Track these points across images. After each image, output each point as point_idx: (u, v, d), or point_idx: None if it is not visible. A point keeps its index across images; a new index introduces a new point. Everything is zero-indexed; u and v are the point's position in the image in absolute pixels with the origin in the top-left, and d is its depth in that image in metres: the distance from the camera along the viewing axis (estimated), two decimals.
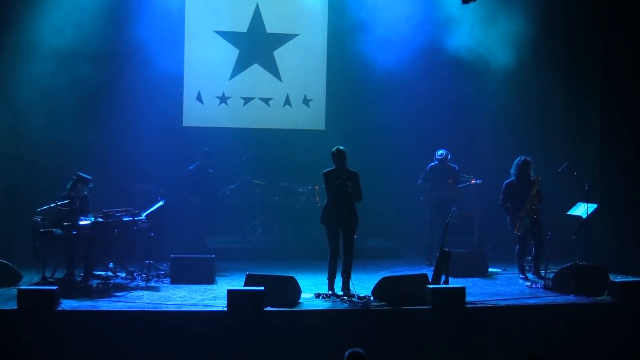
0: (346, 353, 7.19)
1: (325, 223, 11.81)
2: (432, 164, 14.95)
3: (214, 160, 14.82)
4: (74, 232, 11.87)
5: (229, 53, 16.91)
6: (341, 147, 11.71)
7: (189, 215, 14.68)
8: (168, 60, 15.91)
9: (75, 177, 12.38)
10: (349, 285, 11.59)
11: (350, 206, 11.60)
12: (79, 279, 12.10)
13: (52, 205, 12.02)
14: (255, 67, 17.04)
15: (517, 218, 13.29)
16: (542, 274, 13.06)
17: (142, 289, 12.06)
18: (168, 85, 16.13)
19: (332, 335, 10.34)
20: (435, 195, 14.81)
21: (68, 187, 12.30)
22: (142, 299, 11.26)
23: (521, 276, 13.37)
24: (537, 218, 13.26)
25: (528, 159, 13.37)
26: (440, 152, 14.85)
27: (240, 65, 16.96)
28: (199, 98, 16.91)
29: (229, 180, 15.77)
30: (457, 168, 15.01)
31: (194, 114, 16.92)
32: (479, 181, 15.39)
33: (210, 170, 14.67)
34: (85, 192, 12.47)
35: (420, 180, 15.05)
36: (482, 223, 15.84)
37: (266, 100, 17.11)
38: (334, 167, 11.66)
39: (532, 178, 13.29)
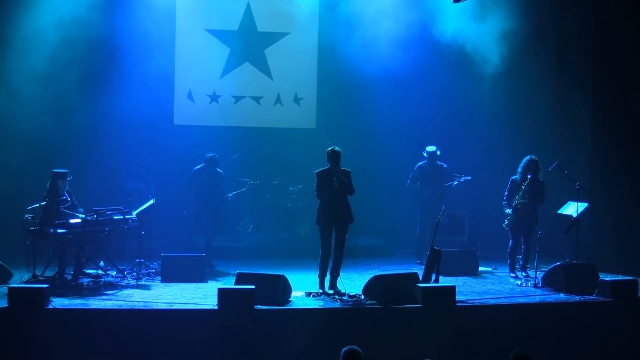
0: (342, 350, 7.19)
1: (319, 223, 11.85)
2: (421, 163, 14.94)
3: (193, 159, 14.52)
4: (64, 231, 11.84)
5: (220, 51, 16.88)
6: (336, 148, 11.77)
7: (187, 216, 14.52)
8: (159, 58, 15.88)
9: (51, 176, 12.30)
10: (336, 283, 11.64)
11: (343, 204, 11.64)
12: (69, 277, 12.07)
13: (42, 203, 12.01)
14: (246, 66, 17.02)
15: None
16: (528, 273, 13.14)
17: (133, 287, 12.05)
18: (159, 83, 16.09)
19: (322, 333, 10.35)
20: (426, 194, 14.80)
21: (47, 186, 12.25)
22: (133, 298, 11.25)
23: (512, 274, 13.41)
24: (526, 216, 13.28)
25: (534, 158, 13.35)
26: (430, 147, 14.84)
27: (231, 64, 16.94)
28: (189, 96, 16.88)
29: None
30: (445, 166, 15.00)
31: (184, 113, 16.90)
32: (468, 177, 15.31)
33: (218, 170, 14.30)
34: (67, 187, 12.41)
35: (409, 181, 15.05)
36: (472, 222, 15.86)
37: (257, 99, 17.09)
38: (327, 166, 11.69)
39: (541, 179, 13.31)
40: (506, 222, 13.46)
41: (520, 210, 13.27)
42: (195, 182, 14.22)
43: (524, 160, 13.41)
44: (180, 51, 16.76)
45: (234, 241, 16.19)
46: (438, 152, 14.85)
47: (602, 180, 14.95)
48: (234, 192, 14.82)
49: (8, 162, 14.68)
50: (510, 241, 13.55)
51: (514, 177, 13.54)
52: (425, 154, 14.87)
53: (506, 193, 13.57)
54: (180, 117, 16.90)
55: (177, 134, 16.34)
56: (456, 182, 15.13)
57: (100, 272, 12.71)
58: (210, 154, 14.22)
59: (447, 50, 15.79)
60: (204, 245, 14.19)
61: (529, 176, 13.18)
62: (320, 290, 11.60)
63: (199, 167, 14.30)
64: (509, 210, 13.40)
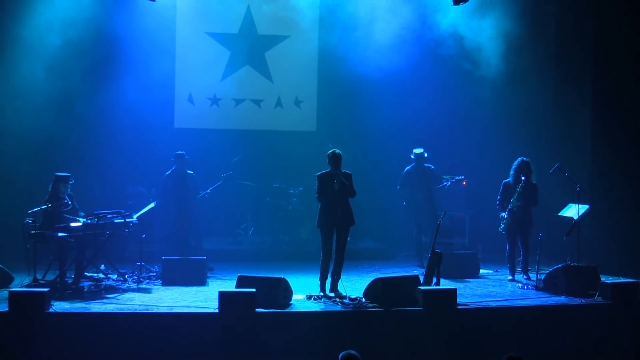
0: (340, 355, 7.18)
1: (320, 226, 11.84)
2: (408, 167, 14.88)
3: (192, 162, 14.48)
4: (65, 234, 11.84)
5: (220, 54, 16.91)
6: (337, 150, 11.76)
7: (170, 220, 14.50)
8: (159, 61, 15.91)
9: (53, 179, 12.31)
10: (337, 286, 11.64)
11: (344, 207, 11.63)
12: (70, 280, 12.07)
13: (43, 207, 11.99)
14: (247, 69, 17.05)
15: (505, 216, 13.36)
16: (529, 275, 13.12)
17: (134, 290, 12.06)
18: (159, 86, 16.09)
19: (323, 336, 10.32)
20: (417, 199, 14.75)
21: (49, 190, 12.25)
22: (134, 301, 11.24)
23: (509, 277, 13.36)
24: (522, 219, 13.25)
25: (525, 159, 13.32)
26: (417, 150, 14.79)
27: (232, 67, 16.97)
28: (190, 99, 16.91)
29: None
30: (432, 167, 14.94)
31: (185, 116, 16.92)
32: (460, 177, 15.24)
33: (189, 172, 14.35)
34: (69, 191, 12.44)
35: (398, 187, 15.03)
36: (473, 224, 15.85)
37: (257, 102, 17.11)
38: (328, 169, 11.68)
39: (534, 181, 13.28)
40: (502, 225, 13.41)
41: (516, 214, 13.24)
42: (168, 187, 14.22)
43: (515, 162, 13.38)
44: (181, 54, 16.80)
45: (234, 244, 16.20)
46: (425, 155, 14.79)
47: (603, 182, 14.91)
48: (211, 188, 14.83)
49: (9, 165, 14.69)
50: (507, 245, 13.49)
51: (506, 180, 13.51)
52: (412, 156, 14.83)
53: (499, 197, 13.51)
54: (180, 120, 16.93)
55: (178, 137, 16.30)
56: (448, 184, 15.09)
57: (101, 275, 12.67)
58: (179, 152, 14.24)
59: (446, 53, 15.79)
60: (194, 246, 14.21)
61: (522, 178, 13.14)
62: (322, 293, 11.59)
63: (169, 172, 14.29)
64: (504, 214, 13.36)
